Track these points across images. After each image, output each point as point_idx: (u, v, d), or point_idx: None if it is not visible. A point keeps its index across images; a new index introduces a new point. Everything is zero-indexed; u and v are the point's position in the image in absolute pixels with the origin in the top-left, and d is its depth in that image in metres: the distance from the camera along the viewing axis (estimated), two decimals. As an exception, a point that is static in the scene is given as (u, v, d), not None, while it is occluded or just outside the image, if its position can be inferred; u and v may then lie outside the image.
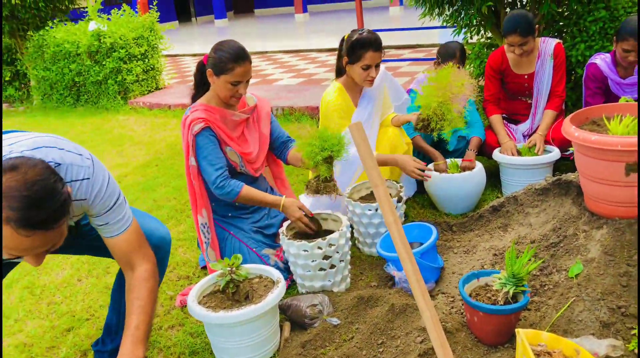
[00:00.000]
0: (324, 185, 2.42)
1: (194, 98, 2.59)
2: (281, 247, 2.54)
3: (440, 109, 2.63)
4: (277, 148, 2.78)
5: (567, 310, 1.99)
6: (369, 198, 2.91)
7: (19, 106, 8.03)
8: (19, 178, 1.26)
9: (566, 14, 3.88)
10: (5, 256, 1.34)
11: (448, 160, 3.24)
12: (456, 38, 4.48)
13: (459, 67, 3.25)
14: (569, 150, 2.34)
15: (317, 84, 6.95)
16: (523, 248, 2.38)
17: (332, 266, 2.40)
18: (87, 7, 7.25)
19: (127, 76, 6.95)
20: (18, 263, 1.82)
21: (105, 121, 6.56)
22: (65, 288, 2.82)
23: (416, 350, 1.95)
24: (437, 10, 4.29)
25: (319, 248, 2.34)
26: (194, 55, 11.26)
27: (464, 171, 3.13)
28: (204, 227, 2.54)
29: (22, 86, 8.15)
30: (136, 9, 7.39)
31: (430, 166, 3.19)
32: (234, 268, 2.13)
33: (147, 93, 7.28)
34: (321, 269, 2.38)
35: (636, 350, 1.76)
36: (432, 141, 3.38)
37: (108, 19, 7.14)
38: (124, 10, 7.15)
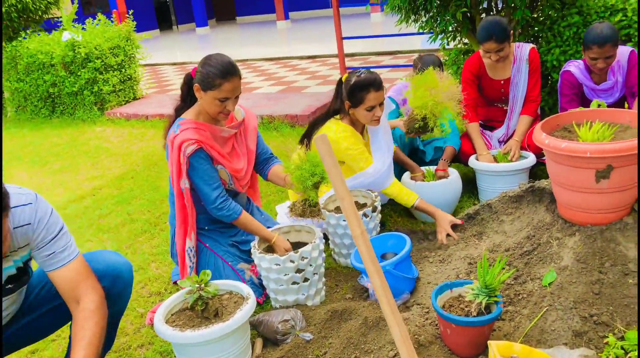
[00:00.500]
0: (309, 210, 2.39)
1: (179, 111, 2.49)
2: (257, 262, 2.49)
3: (436, 108, 2.62)
4: (259, 164, 2.73)
5: (540, 319, 1.96)
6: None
7: (-7, 118, 7.88)
8: None
9: (541, 19, 3.90)
10: None
11: (424, 168, 3.22)
12: (433, 44, 4.49)
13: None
14: (544, 155, 2.33)
15: (297, 91, 6.91)
16: (497, 256, 2.36)
17: (306, 280, 2.35)
18: (61, 17, 7.14)
19: (104, 87, 6.86)
20: None
21: (81, 132, 6.46)
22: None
23: (389, 365, 1.91)
24: (413, 17, 4.29)
25: (291, 261, 2.29)
26: (174, 64, 11.17)
27: (440, 179, 3.11)
28: (191, 251, 2.46)
29: (-4, 98, 8.01)
30: (112, 18, 7.28)
31: (406, 175, 3.16)
32: (202, 285, 2.07)
33: (125, 103, 7.18)
34: (294, 283, 2.34)
35: (609, 360, 1.74)
36: (408, 152, 3.36)
37: (83, 28, 7.04)
38: (99, 20, 7.06)
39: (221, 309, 2.08)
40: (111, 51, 6.89)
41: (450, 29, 4.10)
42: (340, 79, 2.79)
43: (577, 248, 2.09)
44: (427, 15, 4.23)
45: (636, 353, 1.71)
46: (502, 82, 3.34)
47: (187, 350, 1.97)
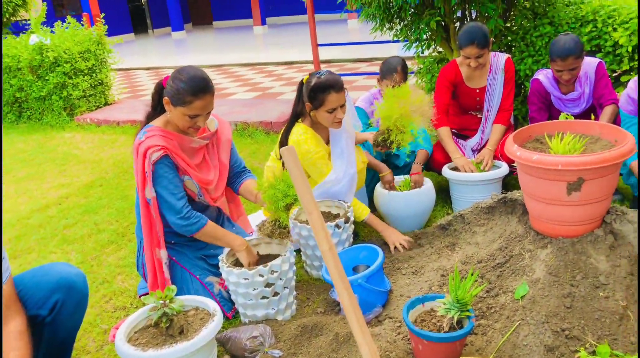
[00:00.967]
0: (279, 231, 2.32)
1: (149, 119, 2.39)
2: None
3: (400, 122, 2.58)
4: (231, 177, 2.64)
5: (512, 334, 1.94)
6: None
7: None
8: None
9: (513, 29, 3.93)
10: None
11: (399, 177, 3.19)
12: (407, 52, 4.49)
13: (402, 82, 3.24)
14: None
15: (272, 97, 6.85)
16: (469, 268, 2.33)
17: (276, 294, 2.29)
18: (29, 20, 6.95)
19: (73, 92, 6.68)
20: None
21: (49, 138, 6.27)
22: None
23: (359, 383, 1.86)
24: (387, 25, 4.27)
25: (261, 275, 2.22)
26: (149, 69, 11.00)
27: (415, 186, 3.08)
28: (165, 266, 2.37)
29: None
30: (82, 21, 7.10)
31: (379, 186, 3.12)
32: (167, 301, 1.99)
33: (95, 109, 7.00)
34: (264, 297, 2.27)
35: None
36: (381, 158, 3.32)
37: (52, 31, 6.85)
38: (69, 23, 6.88)
39: (186, 326, 2.00)
40: (81, 55, 6.72)
41: (424, 37, 4.10)
42: (302, 81, 2.73)
43: (549, 261, 2.07)
44: (401, 24, 4.23)
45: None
46: (477, 91, 3.33)
47: (150, 370, 1.88)
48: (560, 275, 2.01)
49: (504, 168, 3.11)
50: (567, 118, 2.59)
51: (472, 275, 2.11)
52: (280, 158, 2.80)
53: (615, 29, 3.49)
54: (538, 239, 2.18)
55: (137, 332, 2.04)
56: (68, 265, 1.89)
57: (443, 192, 3.43)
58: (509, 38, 3.91)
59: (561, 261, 2.04)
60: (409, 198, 2.97)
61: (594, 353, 1.79)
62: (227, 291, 2.43)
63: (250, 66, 9.81)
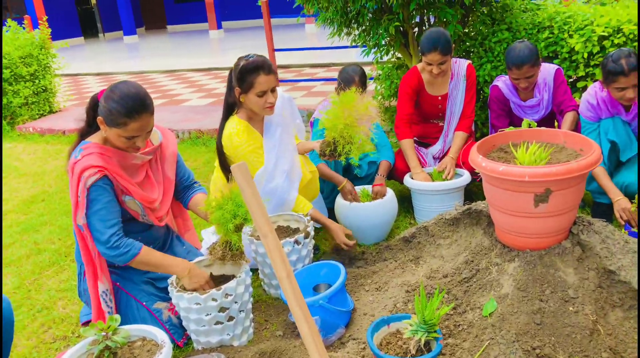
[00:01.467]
0: (231, 254, 2.15)
1: (84, 135, 2.17)
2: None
3: (347, 132, 2.45)
4: (179, 192, 2.46)
5: (482, 354, 1.84)
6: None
7: None
8: None
9: (471, 34, 3.89)
10: None
11: (359, 188, 3.08)
12: (366, 58, 4.40)
13: (361, 92, 3.12)
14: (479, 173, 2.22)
15: (228, 104, 6.63)
16: (435, 283, 2.23)
17: (231, 319, 2.12)
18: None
19: (14, 99, 6.28)
20: None
21: (-12, 149, 5.87)
22: None
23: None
24: (345, 30, 4.17)
25: (214, 299, 2.05)
26: (99, 74, 10.56)
27: (376, 196, 2.98)
28: (106, 295, 2.15)
29: None
30: (23, 24, 6.71)
31: (339, 198, 3.00)
32: (109, 333, 1.80)
33: (39, 117, 6.61)
34: (218, 323, 2.10)
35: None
36: (342, 168, 3.19)
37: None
38: (9, 26, 6.48)
39: (131, 360, 1.81)
40: (22, 60, 6.33)
41: (383, 43, 4.02)
42: (232, 68, 2.59)
43: (516, 275, 1.99)
44: (359, 29, 4.13)
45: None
46: (439, 98, 3.27)
47: (88, 413, 1.69)
48: (529, 289, 1.93)
49: (466, 176, 3.05)
50: (530, 124, 2.54)
51: (439, 293, 2.01)
52: (223, 167, 2.64)
53: (571, 36, 3.50)
54: (505, 252, 2.10)
55: (76, 368, 1.84)
56: None
57: (405, 201, 3.34)
58: (467, 44, 3.87)
59: (529, 276, 1.97)
60: (371, 209, 2.86)
61: (566, 372, 1.72)
62: (178, 317, 2.24)
63: (205, 71, 9.55)
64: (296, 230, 2.68)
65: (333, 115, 2.49)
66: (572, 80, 3.67)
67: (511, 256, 2.07)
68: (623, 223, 2.54)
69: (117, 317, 1.84)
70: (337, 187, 3.17)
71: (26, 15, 7.23)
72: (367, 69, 3.32)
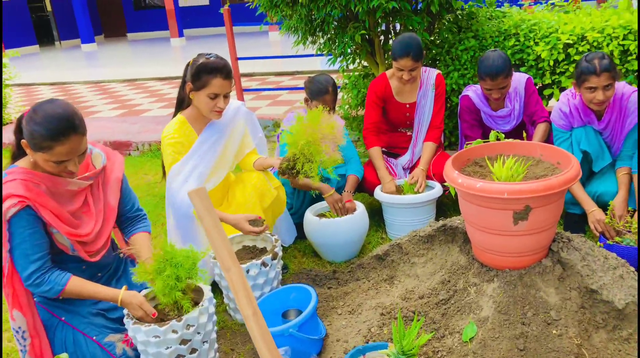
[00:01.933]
0: (177, 313, 1.97)
1: (15, 157, 1.95)
2: (131, 330, 2.02)
3: (308, 150, 2.32)
4: (121, 223, 2.23)
5: (464, 384, 1.73)
6: (240, 255, 2.51)
7: None
8: None
9: (437, 42, 3.84)
10: None
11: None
12: (332, 66, 4.29)
13: (331, 108, 2.99)
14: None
15: (190, 114, 6.42)
16: (411, 305, 2.11)
17: (193, 351, 1.95)
18: None
19: (-40, 111, 5.92)
20: None
21: None
22: None
23: None
24: (310, 38, 4.06)
25: (174, 331, 1.88)
26: (54, 84, 10.13)
27: (346, 213, 2.85)
28: (17, 333, 1.93)
29: None
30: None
31: (308, 213, 2.86)
32: (54, 378, 1.60)
33: (-13, 130, 6.24)
34: (179, 356, 1.92)
35: None
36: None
37: None
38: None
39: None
40: (-31, 70, 5.97)
41: (349, 51, 3.92)
42: (189, 62, 2.46)
43: (496, 297, 1.89)
44: (325, 37, 4.02)
45: None
46: (407, 106, 3.18)
47: None
48: (510, 312, 1.84)
49: (437, 189, 2.96)
50: (497, 136, 2.47)
51: (417, 319, 1.90)
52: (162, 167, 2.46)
53: (537, 43, 3.48)
54: (483, 271, 2.01)
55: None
56: None
57: (376, 215, 3.23)
58: (434, 52, 3.81)
59: (510, 297, 1.87)
60: (341, 225, 2.73)
61: (552, 401, 1.62)
62: (134, 349, 2.04)
63: (166, 79, 9.28)
64: (263, 250, 2.53)
65: (296, 131, 2.36)
66: (538, 87, 3.65)
67: (490, 276, 1.97)
68: (598, 234, 2.50)
69: (65, 355, 1.65)
70: (306, 201, 3.03)
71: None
72: (332, 77, 3.20)
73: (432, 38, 3.84)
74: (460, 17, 3.85)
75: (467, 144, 2.37)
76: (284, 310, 2.19)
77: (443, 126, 3.21)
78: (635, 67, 3.18)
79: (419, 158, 3.20)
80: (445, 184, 1.98)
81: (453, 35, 3.70)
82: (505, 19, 3.75)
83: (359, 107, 4.33)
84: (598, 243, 2.48)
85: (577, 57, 3.33)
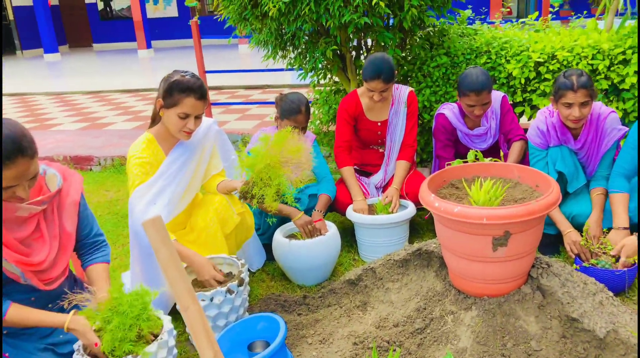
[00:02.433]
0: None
1: None
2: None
3: (266, 174, 2.18)
4: (79, 249, 2.05)
5: None
6: (204, 282, 2.36)
7: None
8: None
9: (409, 58, 3.79)
10: None
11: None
12: (303, 81, 4.20)
13: (303, 128, 2.88)
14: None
15: (156, 128, 6.22)
16: (386, 334, 2.01)
17: (152, 388, 1.79)
18: None
19: None
20: None
21: None
22: None
23: None
24: (280, 52, 3.96)
25: (130, 368, 1.72)
26: (14, 95, 9.75)
27: (317, 234, 2.73)
28: None
29: None
30: None
31: (277, 235, 2.72)
32: None
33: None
34: (136, 394, 1.76)
35: None
36: (281, 201, 2.92)
37: None
38: None
39: None
40: None
41: (320, 66, 3.83)
42: (164, 77, 2.33)
43: (475, 326, 1.80)
44: (295, 52, 3.93)
45: None
46: (379, 124, 3.10)
47: None
48: (490, 343, 1.75)
49: (410, 209, 2.88)
50: (476, 156, 2.41)
51: (392, 350, 1.79)
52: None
53: (508, 61, 3.47)
54: (460, 299, 1.92)
55: None
56: None
57: (348, 235, 3.13)
58: (406, 68, 3.76)
59: (489, 326, 1.79)
60: (312, 248, 2.61)
61: None
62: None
63: (132, 92, 9.03)
64: (228, 275, 2.38)
65: (256, 154, 2.23)
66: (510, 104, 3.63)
67: (467, 303, 1.88)
68: (573, 256, 2.45)
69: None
70: (274, 221, 2.90)
71: None
72: (303, 92, 3.10)
73: (404, 54, 3.80)
74: (432, 33, 3.82)
75: (447, 164, 2.30)
76: (251, 341, 2.05)
77: (416, 144, 3.14)
78: (605, 86, 3.19)
79: (392, 176, 3.13)
80: (421, 206, 1.90)
81: (425, 52, 3.66)
82: (476, 37, 3.74)
83: (331, 123, 4.24)
84: (574, 265, 2.43)
85: (547, 76, 3.33)
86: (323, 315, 2.33)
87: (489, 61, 3.53)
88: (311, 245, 2.61)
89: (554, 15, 4.89)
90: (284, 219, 2.87)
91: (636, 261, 2.24)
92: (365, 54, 3.92)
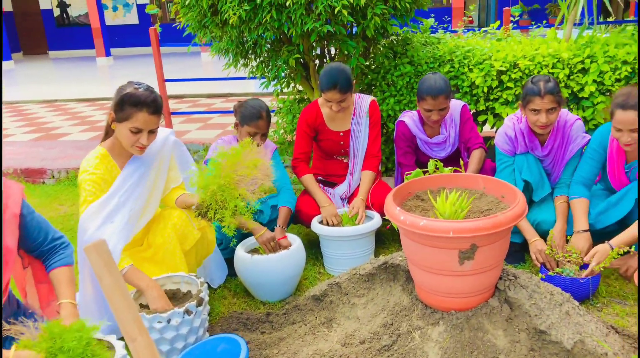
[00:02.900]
0: None
1: None
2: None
3: (221, 195, 2.09)
4: (40, 257, 1.91)
5: None
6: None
7: None
8: None
9: (373, 67, 3.76)
10: None
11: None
12: (266, 90, 4.11)
13: (264, 134, 2.80)
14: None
15: (114, 138, 6.00)
16: (352, 352, 1.94)
17: None
18: None
19: None
20: None
21: None
22: None
23: None
24: (242, 60, 3.87)
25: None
26: (-37, 103, 9.30)
27: (282, 250, 2.64)
28: None
29: None
30: None
31: (239, 249, 2.62)
32: None
33: None
34: None
35: None
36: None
37: None
38: None
39: None
40: None
41: (283, 75, 3.76)
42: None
43: (443, 342, 1.75)
44: (257, 60, 3.85)
45: None
46: (341, 134, 3.05)
47: None
48: (458, 359, 1.70)
49: (376, 220, 2.83)
50: (436, 165, 2.38)
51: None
52: None
53: (471, 70, 3.48)
54: (428, 313, 1.87)
55: None
56: None
57: (313, 247, 3.05)
58: (370, 77, 3.73)
59: (457, 342, 1.74)
60: (275, 263, 2.52)
61: None
62: None
63: (90, 101, 8.74)
64: (187, 294, 2.27)
65: (210, 172, 2.14)
66: (472, 113, 3.64)
67: (435, 318, 1.83)
68: (539, 265, 2.44)
69: None
70: (236, 235, 2.80)
71: None
72: (266, 101, 3.01)
73: (368, 63, 3.77)
74: (395, 42, 3.81)
75: (407, 175, 2.26)
76: (211, 364, 1.95)
77: (381, 154, 3.10)
78: (565, 95, 3.23)
79: (357, 186, 3.08)
80: (385, 218, 1.84)
81: (389, 61, 3.64)
82: (440, 45, 3.74)
83: (294, 133, 4.17)
84: (539, 273, 2.43)
85: (510, 84, 3.35)
86: (287, 333, 2.24)
87: (452, 69, 3.53)
88: (274, 259, 2.52)
89: (515, 25, 4.97)
90: (245, 233, 2.77)
91: (601, 269, 2.24)
92: (329, 63, 3.87)
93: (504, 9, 5.13)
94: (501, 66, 3.35)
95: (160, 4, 15.07)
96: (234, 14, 3.14)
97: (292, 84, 4.00)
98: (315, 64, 3.77)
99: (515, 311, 1.79)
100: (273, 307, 2.54)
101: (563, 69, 3.22)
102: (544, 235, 2.57)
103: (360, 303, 2.14)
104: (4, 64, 15.71)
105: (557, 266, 2.42)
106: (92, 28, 14.84)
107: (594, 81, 3.15)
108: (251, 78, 4.11)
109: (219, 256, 2.76)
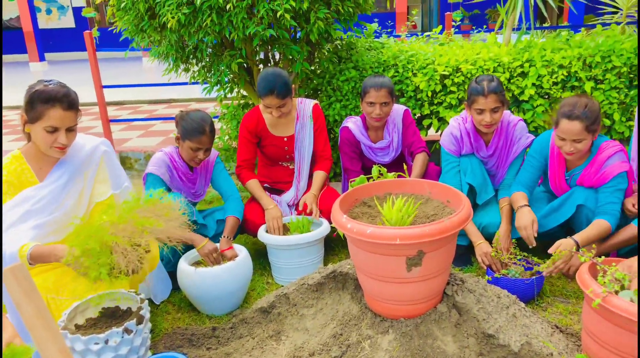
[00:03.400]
0: None
1: None
2: None
3: (92, 258, 1.90)
4: None
5: None
6: (98, 321, 2.10)
7: None
8: None
9: (318, 72, 3.73)
10: None
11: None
12: (209, 95, 4.00)
13: (207, 149, 2.67)
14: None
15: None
16: (302, 365, 1.88)
17: None
18: None
19: None
20: None
21: None
22: None
23: None
24: (183, 65, 3.74)
25: None
26: None
27: (226, 261, 2.55)
28: None
29: None
30: None
31: (182, 262, 2.51)
32: None
33: None
34: None
35: None
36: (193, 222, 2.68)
37: None
38: None
39: None
40: None
41: (226, 80, 3.66)
42: None
43: (392, 351, 1.72)
44: (199, 65, 3.74)
45: None
46: (285, 139, 2.99)
47: None
48: (409, 368, 1.68)
49: (324, 226, 2.78)
50: (379, 170, 2.36)
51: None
52: None
53: (415, 74, 3.51)
54: (377, 322, 1.83)
55: None
56: None
57: (261, 256, 2.97)
58: (315, 82, 3.70)
59: (407, 350, 1.71)
60: (220, 275, 2.42)
61: None
62: None
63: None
64: (127, 312, 2.14)
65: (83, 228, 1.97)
66: (417, 117, 3.68)
67: (384, 327, 1.80)
68: (485, 267, 2.47)
69: None
70: (187, 247, 2.67)
71: None
72: (209, 107, 2.91)
73: (313, 68, 3.74)
74: (340, 47, 3.80)
75: (351, 181, 2.23)
76: (153, 387, 1.84)
77: (331, 157, 3.08)
78: (507, 98, 3.31)
79: (305, 192, 3.03)
80: (333, 225, 1.80)
81: (334, 66, 3.62)
82: (384, 50, 3.76)
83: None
84: (486, 275, 2.45)
85: (453, 88, 3.40)
86: (234, 347, 2.15)
87: (396, 74, 3.55)
88: (219, 272, 2.43)
89: (456, 29, 5.08)
90: (189, 245, 2.65)
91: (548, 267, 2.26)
92: (265, 68, 3.81)
93: (445, 14, 5.23)
94: (444, 70, 3.39)
95: (97, 7, 14.52)
96: (173, 17, 3.02)
97: (236, 89, 3.91)
98: (259, 69, 3.70)
99: (463, 316, 1.79)
100: (219, 321, 2.45)
101: (504, 72, 3.30)
102: (489, 237, 2.60)
103: (309, 314, 2.09)
104: None
105: (503, 268, 2.45)
106: (24, 32, 14.11)
107: (533, 84, 3.24)
108: (193, 83, 3.99)
109: (162, 271, 2.63)
